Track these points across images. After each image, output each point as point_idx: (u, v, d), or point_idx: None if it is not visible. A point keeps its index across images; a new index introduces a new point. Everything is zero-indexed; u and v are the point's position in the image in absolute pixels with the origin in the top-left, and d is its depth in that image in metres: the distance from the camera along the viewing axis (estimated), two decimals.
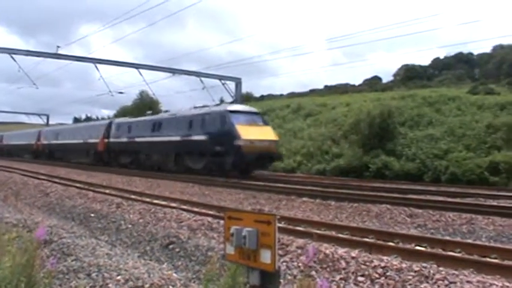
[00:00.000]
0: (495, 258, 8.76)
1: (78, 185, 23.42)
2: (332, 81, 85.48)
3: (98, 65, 41.08)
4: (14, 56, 37.25)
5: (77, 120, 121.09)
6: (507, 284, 6.59)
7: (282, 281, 6.68)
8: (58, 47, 39.67)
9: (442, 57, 79.42)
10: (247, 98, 62.23)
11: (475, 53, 75.66)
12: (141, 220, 13.02)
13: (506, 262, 8.40)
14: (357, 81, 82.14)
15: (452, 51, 77.59)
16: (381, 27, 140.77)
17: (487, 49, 73.09)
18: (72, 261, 7.94)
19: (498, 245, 10.28)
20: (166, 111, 48.62)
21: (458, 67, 70.64)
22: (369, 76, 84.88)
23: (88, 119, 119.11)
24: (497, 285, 6.47)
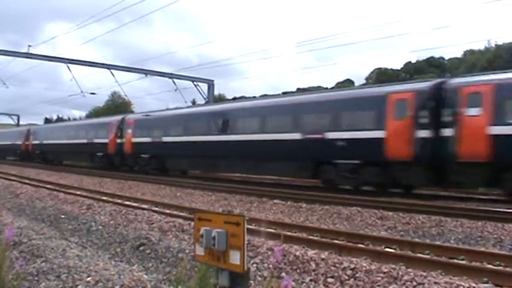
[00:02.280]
0: (463, 259, 8.90)
1: (49, 186, 23.22)
2: (302, 84, 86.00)
3: (71, 66, 40.86)
4: None
5: (48, 120, 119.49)
6: (474, 284, 6.70)
7: (252, 282, 6.72)
8: (29, 46, 39.46)
9: (413, 61, 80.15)
10: (220, 100, 62.19)
11: (446, 57, 76.55)
12: (112, 221, 12.95)
13: (473, 264, 8.55)
14: (327, 83, 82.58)
15: (423, 56, 78.06)
16: (350, 32, 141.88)
17: (458, 54, 73.97)
18: (41, 262, 7.88)
19: (466, 246, 10.43)
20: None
21: (429, 71, 71.27)
22: (340, 79, 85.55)
23: (59, 119, 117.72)
24: (464, 286, 6.57)
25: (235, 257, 3.34)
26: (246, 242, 3.32)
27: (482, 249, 10.16)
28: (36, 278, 7.05)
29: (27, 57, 39.71)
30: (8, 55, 39.58)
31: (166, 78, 46.37)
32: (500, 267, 8.27)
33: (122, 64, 57.29)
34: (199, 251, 3.66)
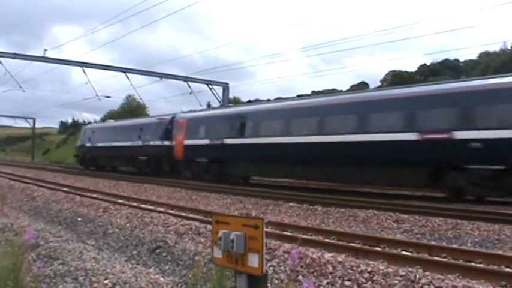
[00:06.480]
0: (480, 263, 8.85)
1: (64, 189, 23.33)
2: (311, 87, 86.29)
3: (79, 69, 41.23)
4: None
5: (63, 124, 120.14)
6: None
7: (269, 285, 6.70)
8: (45, 50, 39.76)
9: (425, 63, 79.80)
10: (235, 103, 62.22)
11: (461, 59, 76.12)
12: (128, 224, 12.98)
13: (491, 267, 8.50)
14: (338, 86, 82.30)
15: (438, 58, 77.82)
16: (358, 35, 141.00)
17: (474, 56, 73.53)
18: (59, 265, 7.91)
19: (483, 250, 10.38)
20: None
21: (444, 73, 70.90)
22: (349, 82, 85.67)
23: (74, 122, 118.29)
24: None
25: (253, 260, 3.33)
26: (264, 245, 3.31)
27: (500, 252, 10.08)
28: (53, 281, 7.07)
29: (44, 61, 40.03)
30: (26, 59, 39.90)
31: (178, 82, 46.44)
32: None
33: (131, 66, 57.29)
34: (218, 253, 3.65)
